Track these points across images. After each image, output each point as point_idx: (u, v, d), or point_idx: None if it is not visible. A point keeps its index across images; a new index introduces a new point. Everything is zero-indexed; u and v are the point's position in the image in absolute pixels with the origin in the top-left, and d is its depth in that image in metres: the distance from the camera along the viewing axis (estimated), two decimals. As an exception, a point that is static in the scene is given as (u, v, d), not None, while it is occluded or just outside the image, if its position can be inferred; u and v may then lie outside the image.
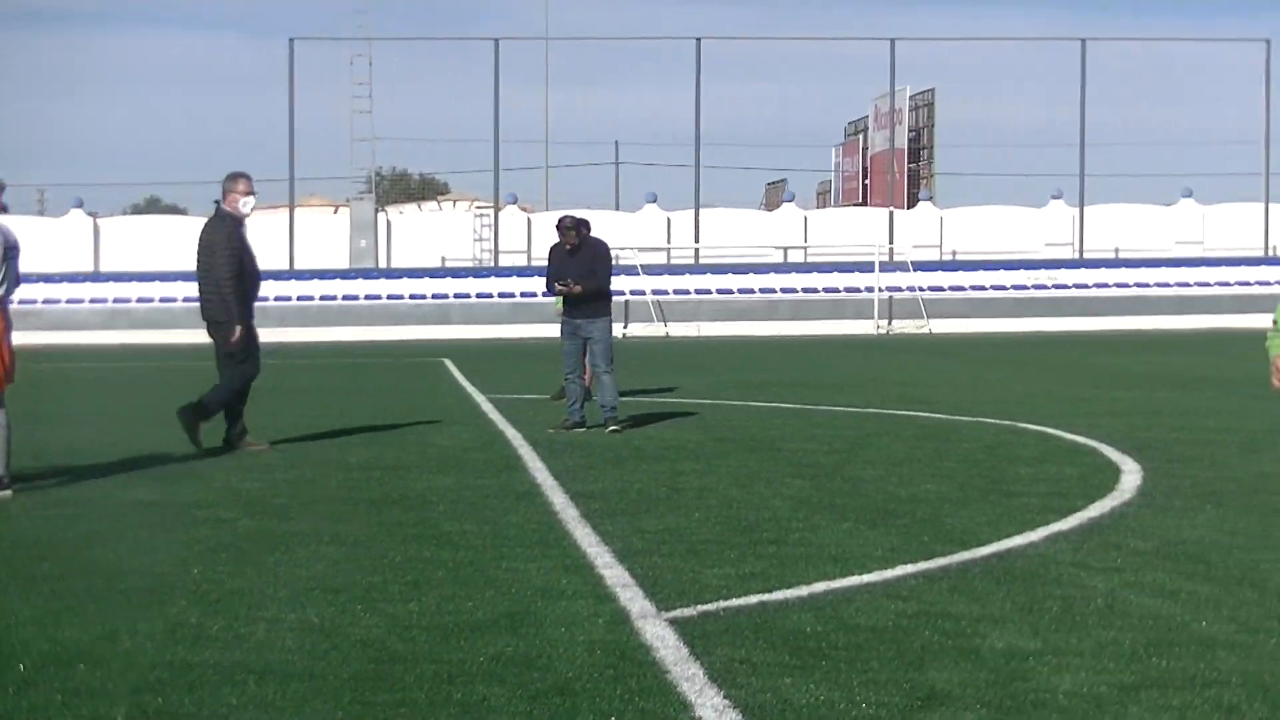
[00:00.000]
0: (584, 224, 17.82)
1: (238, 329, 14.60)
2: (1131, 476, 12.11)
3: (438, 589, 8.04)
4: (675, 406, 19.67)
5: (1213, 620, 7.15)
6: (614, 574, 8.37)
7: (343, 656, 6.67)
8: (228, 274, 14.54)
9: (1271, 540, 9.18)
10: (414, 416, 18.68)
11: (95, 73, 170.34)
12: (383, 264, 62.67)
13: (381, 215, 65.93)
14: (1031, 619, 7.22)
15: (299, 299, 56.68)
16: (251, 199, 14.90)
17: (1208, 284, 59.11)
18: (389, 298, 57.41)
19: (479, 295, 57.59)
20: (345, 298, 57.60)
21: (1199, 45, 79.50)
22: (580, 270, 16.33)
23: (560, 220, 16.69)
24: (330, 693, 6.15)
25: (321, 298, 57.43)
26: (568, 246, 16.47)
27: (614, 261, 17.32)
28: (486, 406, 20.38)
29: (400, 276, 59.56)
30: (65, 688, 6.23)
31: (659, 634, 6.98)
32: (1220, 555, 8.73)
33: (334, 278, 58.92)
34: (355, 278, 59.35)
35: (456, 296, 57.65)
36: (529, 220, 64.60)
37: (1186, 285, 58.99)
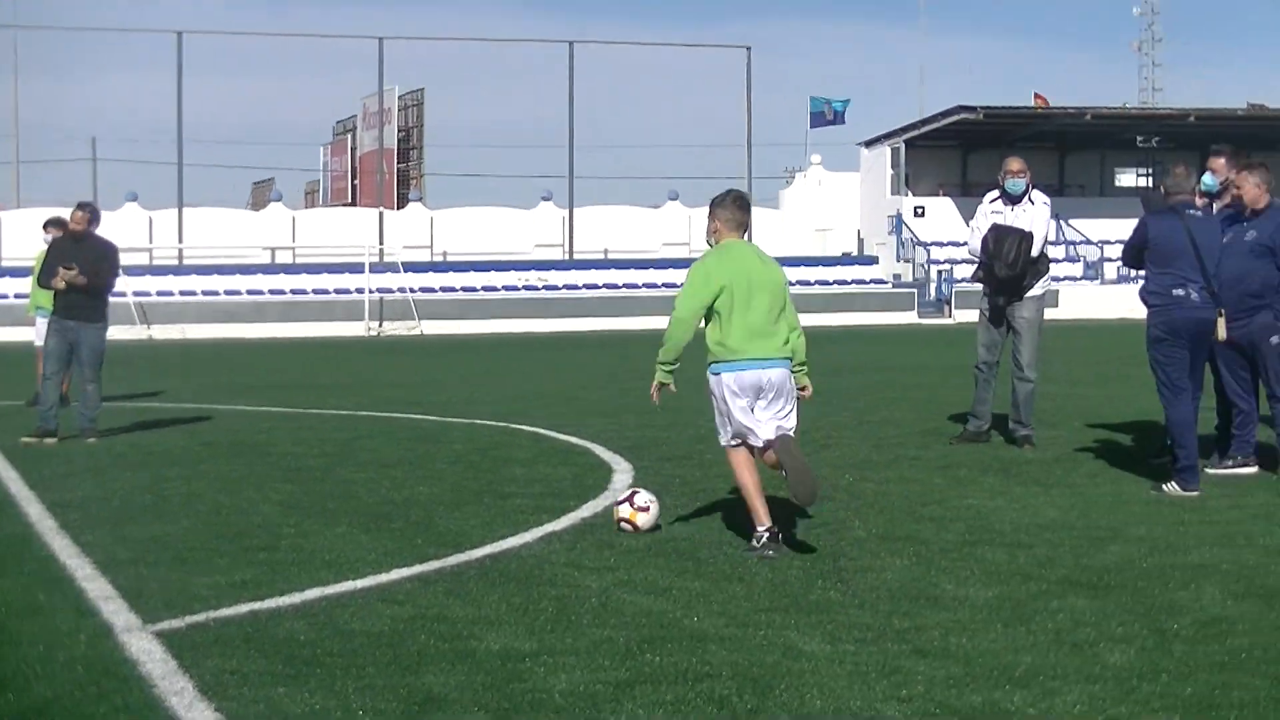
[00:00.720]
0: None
1: None
2: (623, 476, 12.31)
3: (-100, 610, 7.56)
4: (159, 412, 19.10)
5: (704, 615, 7.29)
6: (96, 586, 8.05)
7: None
8: None
9: (756, 535, 9.42)
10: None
11: None
12: None
13: None
14: (527, 620, 7.23)
15: None
16: None
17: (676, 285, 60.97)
18: None
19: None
20: None
21: (684, 51, 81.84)
22: (83, 265, 15.61)
23: (78, 205, 16.04)
24: None
25: None
26: (76, 228, 15.77)
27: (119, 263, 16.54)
28: (-43, 413, 19.39)
29: None
30: None
31: (145, 648, 6.73)
32: (710, 551, 8.93)
33: None
34: None
35: (-75, 298, 54.88)
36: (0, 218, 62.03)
37: (674, 286, 60.70)
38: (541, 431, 15.93)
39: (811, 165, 71.79)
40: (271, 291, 57.75)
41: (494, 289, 59.58)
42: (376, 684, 6.18)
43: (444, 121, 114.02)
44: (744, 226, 9.44)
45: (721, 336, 9.12)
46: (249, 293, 57.25)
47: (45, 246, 20.28)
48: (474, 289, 59.35)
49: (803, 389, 9.38)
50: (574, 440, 15.05)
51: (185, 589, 7.99)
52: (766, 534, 8.95)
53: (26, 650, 6.71)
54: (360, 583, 8.14)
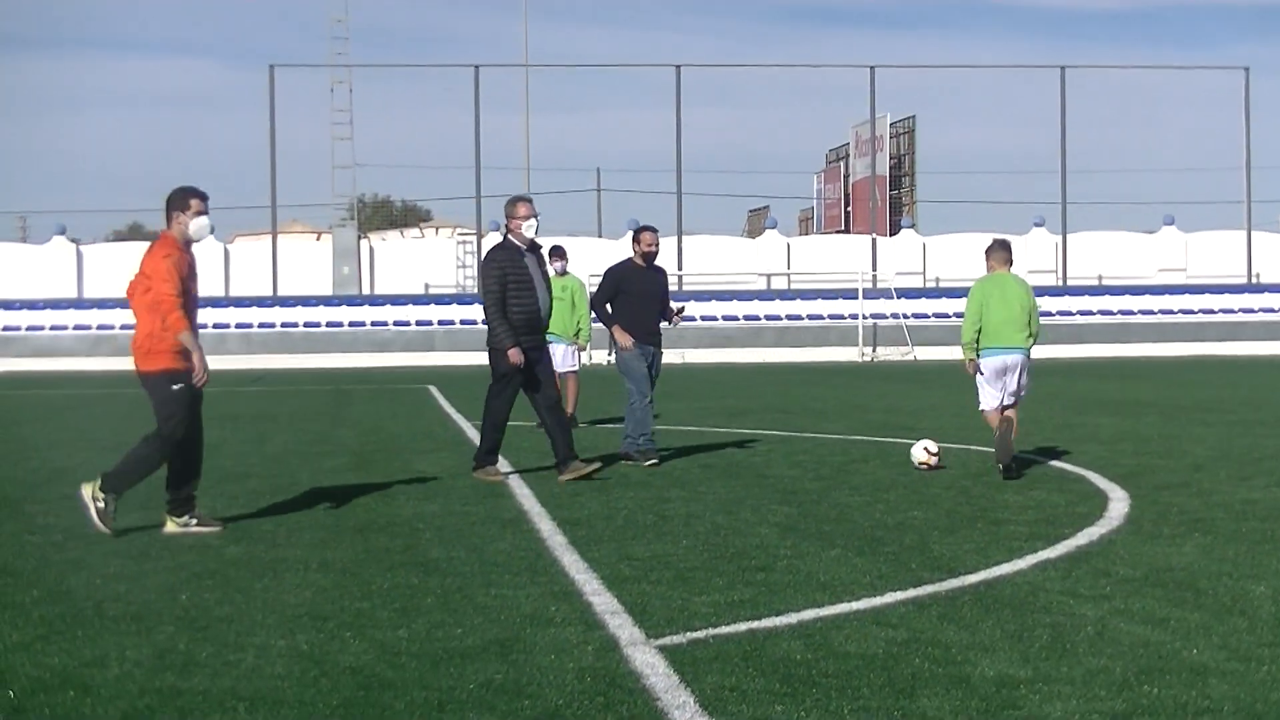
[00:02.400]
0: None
1: (511, 351, 14.27)
2: (1119, 504, 12.12)
3: (426, 615, 8.02)
4: (660, 433, 19.59)
5: (1203, 648, 7.15)
6: (602, 601, 8.36)
7: (332, 683, 6.65)
8: (488, 301, 14.38)
9: (1261, 568, 9.19)
10: (399, 443, 18.66)
11: (78, 98, 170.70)
12: (366, 291, 62.63)
13: (364, 242, 65.92)
14: (1021, 647, 7.21)
15: (282, 325, 56.70)
16: (534, 221, 14.56)
17: (1191, 311, 59.21)
18: (373, 324, 57.38)
19: (463, 322, 57.54)
20: (329, 324, 57.53)
21: (1179, 73, 79.93)
22: (662, 291, 16.06)
23: (646, 229, 16.21)
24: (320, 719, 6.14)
25: (305, 324, 57.36)
26: (650, 250, 16.01)
27: None
28: (472, 433, 20.31)
29: (383, 303, 59.53)
30: (55, 714, 6.22)
31: (648, 661, 6.96)
32: (1210, 583, 8.74)
33: (317, 304, 58.86)
34: (338, 304, 59.29)
35: (440, 323, 57.63)
36: (512, 247, 64.58)
37: (1170, 313, 59.10)
38: (1035, 458, 15.78)
39: (1318, 188, 68.94)
40: (767, 317, 58.64)
41: (987, 314, 59.01)
42: (871, 706, 6.27)
43: (935, 148, 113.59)
44: (1009, 261, 15.00)
45: (982, 333, 14.62)
46: (745, 318, 58.26)
47: (552, 276, 21.18)
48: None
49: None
50: (1068, 467, 14.88)
51: (686, 606, 8.23)
52: (1002, 466, 14.08)
53: (539, 659, 7.05)
54: (855, 605, 8.24)
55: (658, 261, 16.35)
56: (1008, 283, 14.74)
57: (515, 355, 14.20)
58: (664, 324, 16.19)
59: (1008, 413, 14.66)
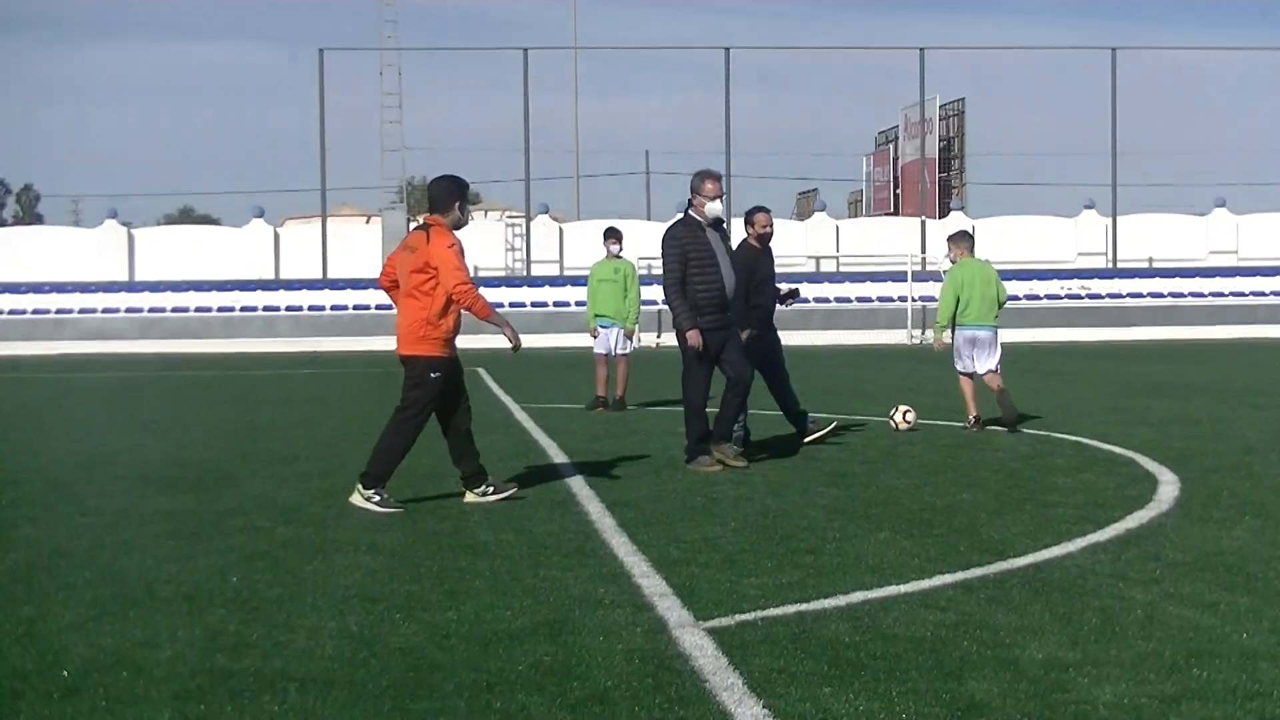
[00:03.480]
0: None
1: (690, 333, 13.75)
2: (1169, 487, 12.07)
3: (475, 598, 8.05)
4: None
5: (1254, 632, 7.12)
6: (651, 583, 8.37)
7: (382, 665, 6.69)
8: (667, 280, 13.85)
9: (1311, 551, 9.14)
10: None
11: (130, 83, 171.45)
12: (415, 274, 62.64)
13: (413, 225, 66.01)
14: (1070, 630, 7.19)
15: (332, 308, 56.90)
16: (719, 203, 13.85)
17: (1242, 294, 58.83)
18: (421, 307, 57.41)
19: (512, 305, 57.53)
20: (379, 307, 57.63)
21: (1230, 54, 79.31)
22: (773, 271, 15.64)
23: (760, 209, 15.59)
24: (370, 701, 6.17)
25: (355, 307, 57.51)
26: (766, 230, 15.49)
27: None
28: (521, 415, 20.36)
29: (433, 287, 59.53)
30: (108, 694, 6.27)
31: (697, 643, 6.98)
32: (1260, 566, 8.70)
33: (367, 288, 58.94)
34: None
35: (490, 306, 57.66)
36: (560, 230, 64.57)
37: (1221, 295, 58.76)
38: (1084, 441, 15.73)
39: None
40: (816, 300, 58.47)
41: (1036, 297, 58.83)
42: (919, 688, 6.27)
43: (985, 130, 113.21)
44: (972, 248, 17.63)
45: (960, 310, 17.30)
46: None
47: (603, 258, 21.24)
48: (1016, 297, 58.72)
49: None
50: (1117, 450, 14.81)
51: (734, 589, 8.24)
52: (974, 419, 17.21)
53: (588, 640, 7.07)
54: (903, 588, 8.24)
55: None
56: (978, 268, 17.49)
57: (694, 337, 13.78)
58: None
59: (996, 380, 17.41)
